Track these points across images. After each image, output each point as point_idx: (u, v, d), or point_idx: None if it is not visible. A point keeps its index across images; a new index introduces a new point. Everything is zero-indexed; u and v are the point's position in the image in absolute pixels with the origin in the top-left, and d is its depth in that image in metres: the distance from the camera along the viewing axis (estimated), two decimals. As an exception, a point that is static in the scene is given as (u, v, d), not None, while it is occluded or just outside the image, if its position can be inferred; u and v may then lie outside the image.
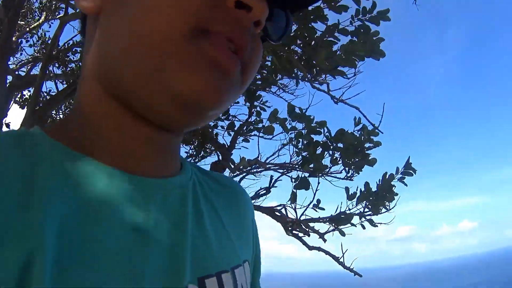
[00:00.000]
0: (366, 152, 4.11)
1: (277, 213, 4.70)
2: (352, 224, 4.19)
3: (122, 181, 0.47)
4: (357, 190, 4.17)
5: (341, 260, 4.36)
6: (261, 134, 4.44)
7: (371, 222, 4.22)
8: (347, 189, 4.18)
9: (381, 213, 4.18)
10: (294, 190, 4.21)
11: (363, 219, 4.23)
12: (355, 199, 4.18)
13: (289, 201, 4.35)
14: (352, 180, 4.33)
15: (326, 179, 4.38)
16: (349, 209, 4.23)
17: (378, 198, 4.08)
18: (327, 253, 4.51)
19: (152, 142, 0.52)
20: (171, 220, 0.49)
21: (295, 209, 4.37)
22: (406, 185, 4.11)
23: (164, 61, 0.43)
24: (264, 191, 4.94)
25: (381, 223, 4.26)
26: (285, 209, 4.57)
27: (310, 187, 4.15)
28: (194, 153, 4.93)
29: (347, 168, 4.27)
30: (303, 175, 4.24)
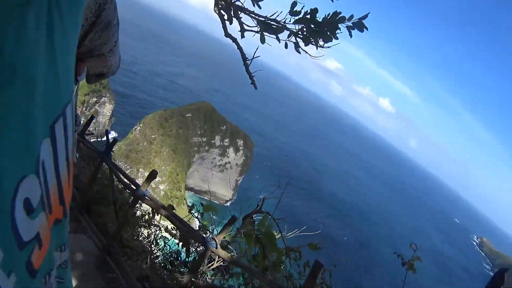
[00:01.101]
0: None
1: (217, -16, 4.07)
2: (277, 38, 3.78)
3: None
4: (302, 9, 3.59)
5: (248, 62, 4.11)
6: None
7: (296, 46, 3.80)
8: (293, 3, 3.57)
9: (311, 44, 3.72)
10: None
11: (292, 37, 3.78)
12: (296, 17, 3.64)
13: None
14: None
15: None
16: (284, 25, 3.73)
17: (318, 30, 3.56)
18: (239, 48, 4.21)
19: None
20: None
21: (233, -10, 3.81)
22: (351, 36, 3.61)
23: None
24: None
25: (306, 52, 3.84)
26: (228, -17, 3.95)
27: None
28: None
29: None
30: None
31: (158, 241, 4.69)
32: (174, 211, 3.69)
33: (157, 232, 4.79)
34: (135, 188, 3.16)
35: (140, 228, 4.63)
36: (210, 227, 4.06)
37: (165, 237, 4.73)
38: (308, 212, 71.18)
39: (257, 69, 4.16)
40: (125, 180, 3.46)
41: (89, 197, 4.21)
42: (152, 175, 3.01)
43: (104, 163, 4.06)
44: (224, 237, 3.65)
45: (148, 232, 4.85)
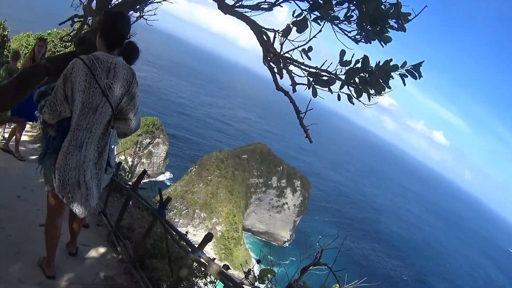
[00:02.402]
0: (385, 26, 3.40)
1: (264, 36, 4.20)
2: (330, 90, 3.79)
3: None
4: (352, 58, 3.60)
5: (302, 115, 4.13)
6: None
7: (349, 97, 3.78)
8: (342, 52, 3.59)
9: (365, 94, 3.71)
10: (291, 25, 3.77)
11: (345, 88, 3.79)
12: (347, 68, 3.65)
13: (281, 32, 3.85)
14: (358, 44, 3.73)
15: (333, 28, 3.77)
16: (335, 75, 3.76)
17: (370, 81, 3.55)
18: (292, 101, 4.25)
19: None
20: None
21: (282, 43, 3.92)
22: (404, 84, 3.56)
23: None
24: (267, 6, 4.33)
25: (360, 101, 3.82)
26: (275, 36, 4.08)
27: (309, 30, 3.68)
28: None
29: (359, 30, 3.61)
30: (306, 14, 3.61)
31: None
32: (228, 265, 3.65)
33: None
34: (190, 250, 3.17)
35: (196, 279, 4.61)
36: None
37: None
38: (367, 254, 68.84)
39: (311, 123, 4.19)
40: (180, 241, 3.49)
41: (143, 251, 4.25)
42: (208, 238, 3.01)
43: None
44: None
45: (204, 282, 4.72)
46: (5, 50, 25.53)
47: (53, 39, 27.54)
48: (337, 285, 3.68)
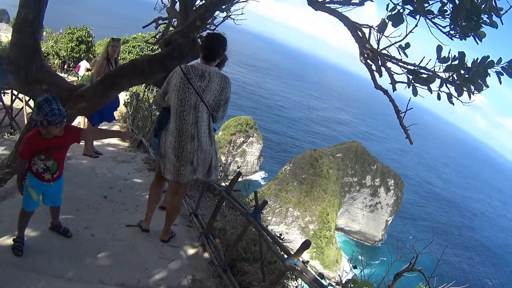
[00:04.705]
0: (479, 22, 3.19)
1: (359, 32, 4.08)
2: (429, 88, 3.59)
3: None
4: (449, 54, 3.37)
5: (402, 115, 3.95)
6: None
7: (449, 96, 3.55)
8: (439, 48, 3.38)
9: (465, 92, 3.46)
10: (386, 20, 3.62)
11: (444, 86, 3.57)
12: (445, 65, 3.44)
13: (377, 28, 3.74)
14: (452, 39, 3.51)
15: (427, 23, 3.59)
16: (433, 73, 3.55)
17: (470, 78, 3.31)
18: (391, 100, 4.07)
19: None
20: None
21: (378, 39, 3.79)
22: (500, 82, 3.31)
23: None
24: (358, 1, 4.21)
25: (460, 101, 3.57)
26: (370, 32, 3.95)
27: (405, 25, 3.51)
28: None
29: (453, 26, 3.40)
30: (401, 9, 3.47)
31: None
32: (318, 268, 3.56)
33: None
34: (286, 257, 3.08)
35: (288, 280, 4.45)
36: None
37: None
38: (460, 261, 64.02)
39: (408, 123, 3.99)
40: (275, 247, 3.38)
41: (235, 254, 4.19)
42: (306, 246, 2.89)
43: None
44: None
45: (295, 285, 4.56)
46: (91, 54, 27.77)
47: (139, 42, 29.39)
48: (423, 286, 3.50)
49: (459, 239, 72.36)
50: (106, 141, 8.83)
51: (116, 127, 11.24)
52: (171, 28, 8.13)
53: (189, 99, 3.69)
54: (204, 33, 6.50)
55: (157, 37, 9.30)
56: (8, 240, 3.70)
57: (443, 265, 54.99)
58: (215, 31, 6.44)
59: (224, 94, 3.78)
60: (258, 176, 61.51)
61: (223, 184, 5.69)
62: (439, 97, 3.59)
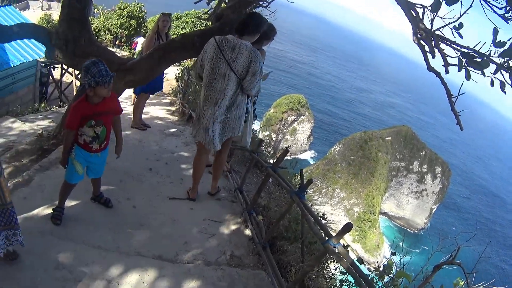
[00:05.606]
0: None
1: (413, 12, 3.94)
2: (483, 73, 3.43)
3: None
4: (509, 40, 3.21)
5: (453, 99, 3.81)
6: None
7: (502, 84, 3.38)
8: (495, 31, 3.24)
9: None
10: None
11: (499, 73, 3.40)
12: (501, 50, 3.27)
13: (430, 7, 3.64)
14: (508, 23, 3.36)
15: (481, 4, 3.48)
16: (488, 57, 3.39)
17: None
18: (443, 83, 3.93)
19: None
20: None
21: (432, 19, 3.68)
22: None
23: None
24: None
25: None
26: (424, 11, 3.83)
27: (459, 5, 3.44)
28: None
29: (509, 8, 3.27)
30: None
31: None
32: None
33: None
34: (326, 238, 2.98)
35: (327, 261, 4.22)
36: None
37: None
38: (501, 260, 61.17)
39: (461, 109, 3.82)
40: (317, 228, 3.26)
41: (276, 232, 4.14)
42: (347, 228, 2.78)
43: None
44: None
45: (335, 267, 4.32)
46: (142, 29, 28.12)
47: (192, 19, 29.57)
48: (461, 281, 3.42)
49: (502, 236, 69.10)
50: (155, 114, 8.99)
51: (166, 101, 11.49)
52: (223, 4, 8.10)
53: (220, 67, 4.00)
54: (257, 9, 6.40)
55: (209, 13, 9.34)
56: (48, 210, 3.78)
57: (482, 262, 52.80)
58: (267, 8, 6.37)
59: (252, 66, 4.00)
60: (308, 155, 60.76)
61: (271, 161, 5.54)
62: (492, 84, 3.42)
